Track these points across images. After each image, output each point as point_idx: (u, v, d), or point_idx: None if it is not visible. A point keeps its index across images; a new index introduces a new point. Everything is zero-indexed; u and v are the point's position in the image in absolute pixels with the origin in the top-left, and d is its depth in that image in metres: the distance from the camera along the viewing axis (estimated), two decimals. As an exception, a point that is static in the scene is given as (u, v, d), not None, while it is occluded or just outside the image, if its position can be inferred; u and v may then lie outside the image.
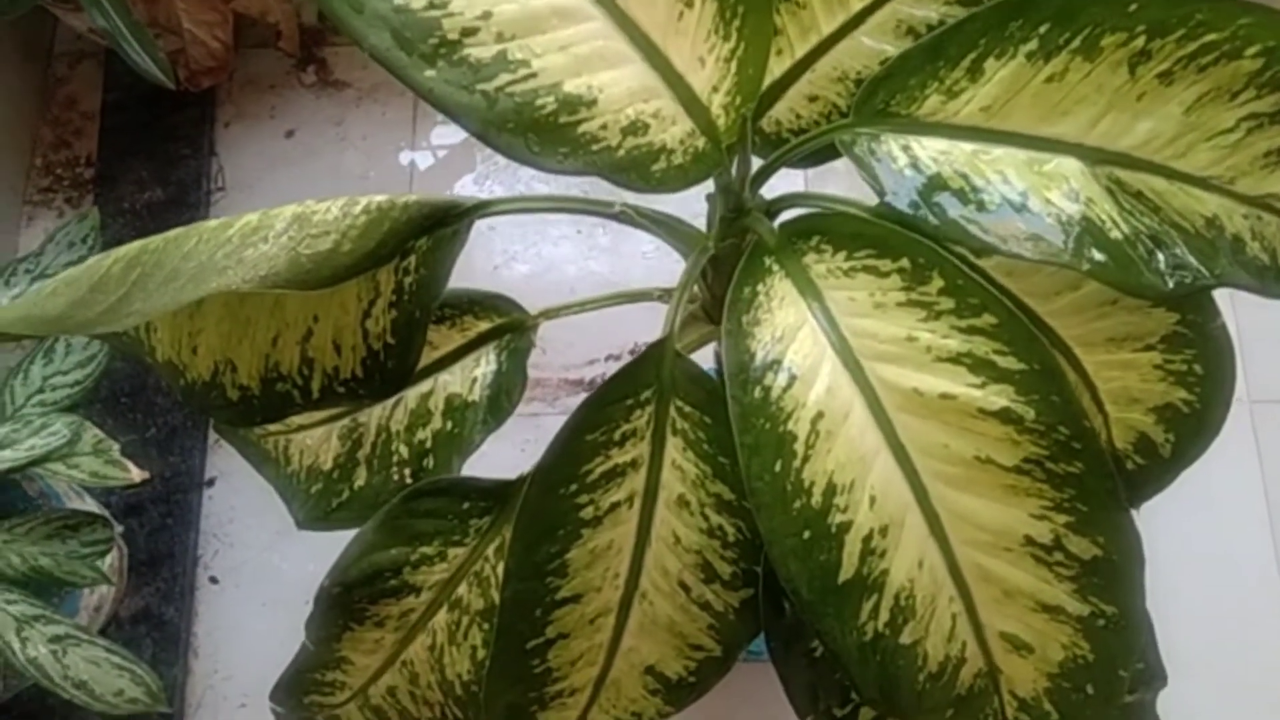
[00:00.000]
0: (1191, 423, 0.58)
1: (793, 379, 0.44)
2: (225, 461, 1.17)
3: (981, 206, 0.46)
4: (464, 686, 0.61)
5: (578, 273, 1.24)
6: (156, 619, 1.11)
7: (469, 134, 0.39)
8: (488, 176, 1.30)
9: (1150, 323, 0.55)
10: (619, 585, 0.51)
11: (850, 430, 0.43)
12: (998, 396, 0.43)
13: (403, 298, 0.51)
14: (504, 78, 0.39)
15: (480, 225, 1.35)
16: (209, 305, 0.53)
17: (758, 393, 0.44)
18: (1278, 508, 1.08)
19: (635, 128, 0.43)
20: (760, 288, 0.47)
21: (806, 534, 0.43)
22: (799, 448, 0.43)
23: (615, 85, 0.42)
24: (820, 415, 0.43)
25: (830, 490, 0.43)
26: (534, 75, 0.40)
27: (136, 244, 0.52)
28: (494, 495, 0.61)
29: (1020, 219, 0.45)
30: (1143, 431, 0.59)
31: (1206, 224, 0.47)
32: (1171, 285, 0.46)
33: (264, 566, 1.14)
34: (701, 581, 0.51)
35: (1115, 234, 0.46)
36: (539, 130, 0.40)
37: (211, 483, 1.17)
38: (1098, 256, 0.45)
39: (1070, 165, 0.47)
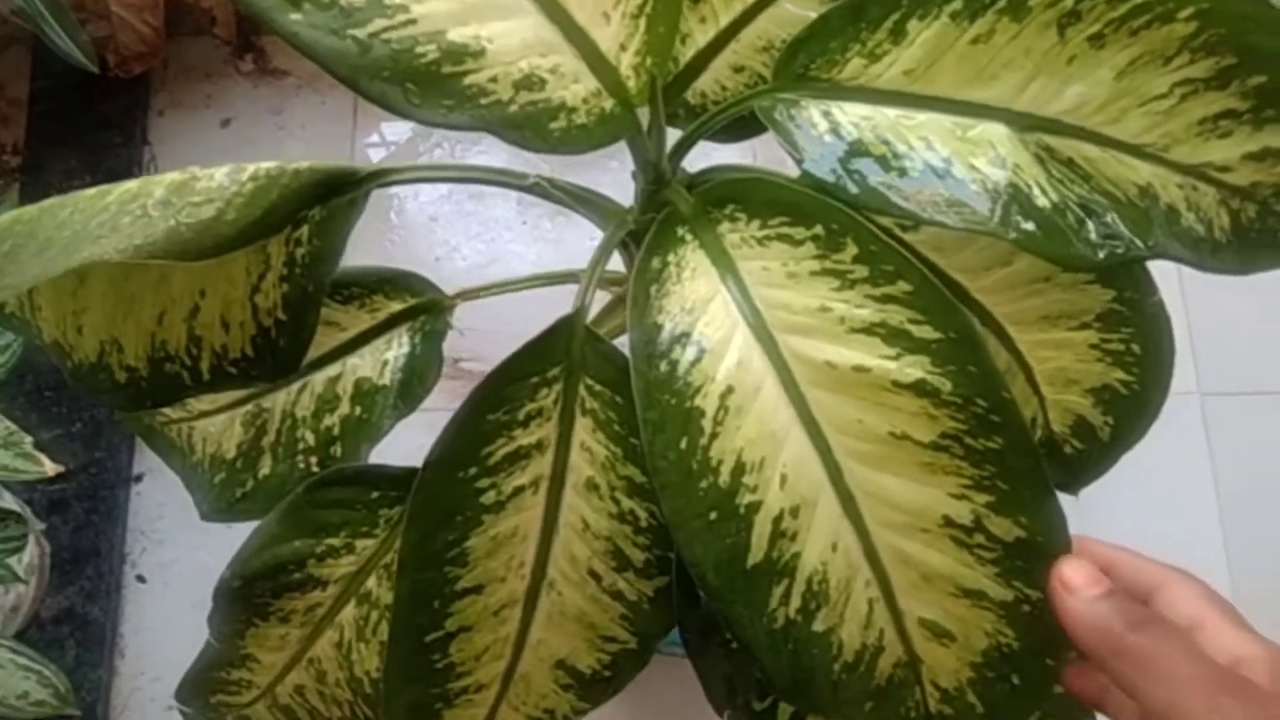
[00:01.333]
0: (1130, 405, 0.56)
1: (702, 353, 0.41)
2: (153, 458, 1.11)
3: (904, 173, 0.44)
4: (373, 684, 0.58)
5: (522, 265, 1.21)
6: (81, 619, 1.07)
7: (340, 82, 0.36)
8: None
9: (1085, 300, 0.53)
10: (525, 575, 0.48)
11: (761, 406, 0.41)
12: (913, 368, 0.40)
13: (295, 271, 0.48)
14: (379, 23, 0.36)
15: (421, 216, 1.32)
16: (92, 281, 0.50)
17: (664, 367, 0.41)
18: (1228, 501, 1.07)
19: (530, 82, 0.40)
20: (671, 258, 0.44)
21: (713, 515, 0.40)
22: (706, 424, 0.40)
23: (507, 36, 0.39)
24: (730, 390, 0.41)
25: (739, 469, 0.40)
26: (413, 21, 0.37)
27: (10, 214, 0.49)
28: (405, 484, 0.58)
29: (943, 185, 0.43)
30: (1080, 414, 0.57)
31: (1140, 193, 0.45)
32: (1103, 256, 0.44)
33: (193, 565, 1.10)
34: (613, 570, 0.48)
35: (1044, 202, 0.44)
36: (418, 80, 0.37)
37: (139, 479, 1.13)
38: (1026, 225, 0.43)
39: (997, 131, 0.45)
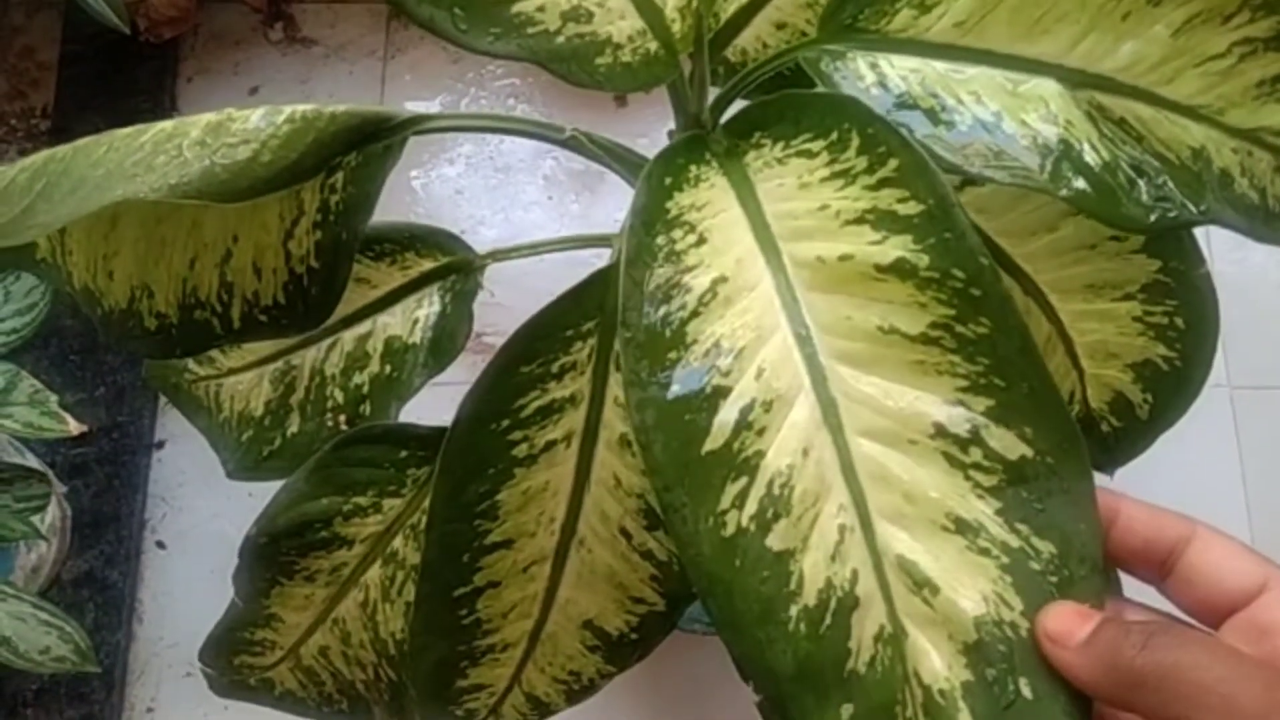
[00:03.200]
0: (1171, 382, 0.55)
1: (701, 240, 0.39)
2: (176, 424, 1.13)
3: (952, 126, 0.43)
4: (397, 645, 0.58)
5: (546, 239, 1.21)
6: (100, 583, 1.07)
7: (390, 3, 0.35)
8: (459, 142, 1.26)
9: (1130, 269, 0.52)
10: (554, 531, 0.47)
11: (752, 302, 0.38)
12: (895, 249, 0.37)
13: (328, 218, 0.47)
14: (428, -51, 0.36)
15: (447, 189, 1.31)
16: (124, 224, 0.50)
17: (660, 240, 0.38)
18: (1255, 495, 1.05)
19: (577, 14, 0.39)
20: (693, 173, 0.42)
21: (675, 388, 0.36)
22: (689, 299, 0.37)
23: (556, -31, 0.39)
24: (723, 279, 0.38)
25: (714, 349, 0.36)
26: (463, -52, 0.36)
27: (44, 153, 0.48)
28: (433, 444, 0.58)
29: (992, 139, 0.42)
30: (1119, 390, 0.56)
31: (1193, 156, 0.44)
32: (1154, 218, 0.43)
33: (213, 532, 1.10)
34: (644, 528, 0.47)
35: (1095, 160, 0.42)
36: (467, 6, 0.36)
37: (161, 445, 1.13)
38: (1076, 182, 0.42)
39: (1049, 87, 0.44)
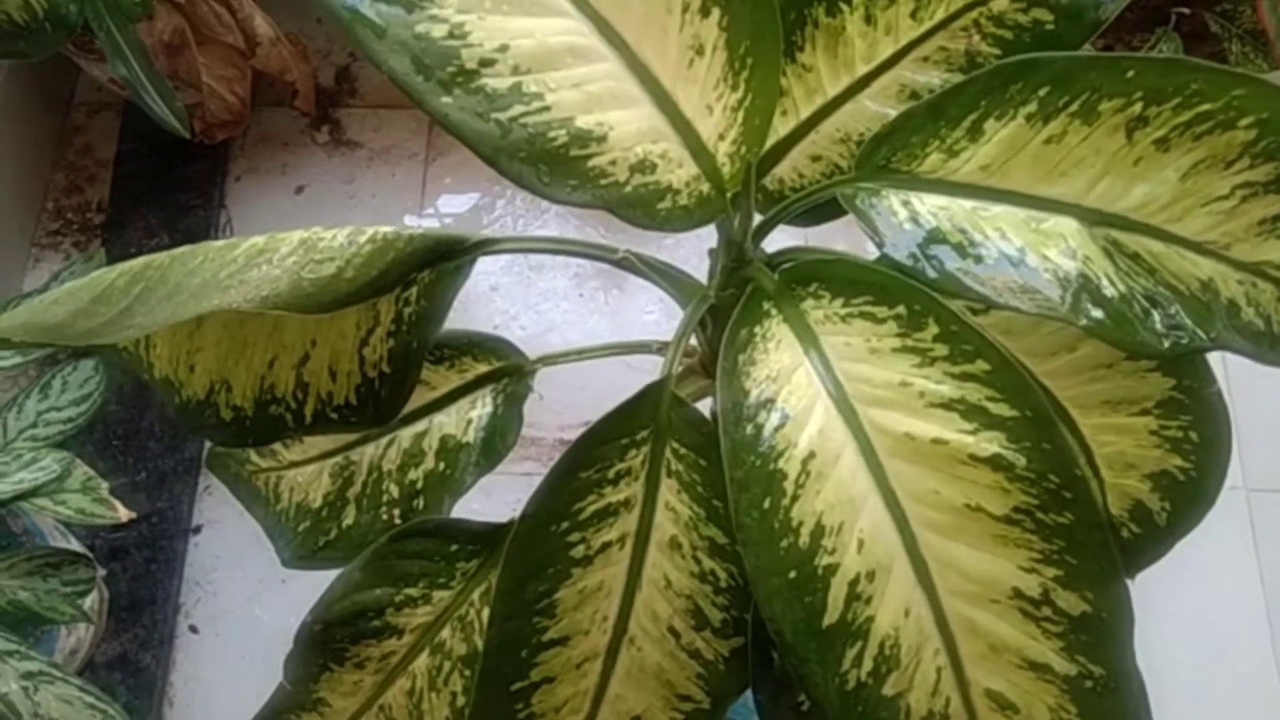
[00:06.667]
0: (1187, 491, 0.58)
1: (785, 419, 0.44)
2: (213, 509, 1.16)
3: (979, 260, 0.47)
4: (443, 734, 0.60)
5: (577, 335, 1.25)
6: (133, 666, 1.09)
7: (483, 160, 0.39)
8: (493, 238, 1.31)
9: (1146, 387, 0.55)
10: (607, 629, 0.50)
11: (841, 473, 0.43)
12: (989, 443, 0.43)
13: (401, 328, 0.51)
14: (518, 109, 0.40)
15: (482, 285, 1.36)
16: (209, 324, 0.54)
17: (750, 430, 0.44)
18: (1274, 596, 1.07)
19: (643, 166, 0.43)
20: (758, 330, 0.47)
21: (792, 574, 0.42)
22: (789, 486, 0.43)
23: (625, 124, 0.43)
24: (811, 455, 0.43)
25: (818, 531, 0.43)
26: (547, 109, 0.41)
27: (141, 260, 0.52)
28: (483, 539, 0.61)
29: (1017, 273, 0.46)
30: (1138, 499, 0.59)
31: (1202, 287, 0.47)
32: (1168, 345, 0.46)
33: (245, 617, 1.12)
34: (692, 628, 0.50)
35: (1112, 292, 0.46)
36: (550, 161, 0.41)
37: (198, 530, 1.16)
38: (1095, 313, 0.46)
39: (1068, 225, 0.48)
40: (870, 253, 0.54)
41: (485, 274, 1.29)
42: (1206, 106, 0.46)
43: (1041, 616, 0.44)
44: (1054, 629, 0.44)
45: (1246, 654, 1.04)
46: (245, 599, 1.13)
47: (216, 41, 1.19)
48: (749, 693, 0.55)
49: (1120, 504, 0.60)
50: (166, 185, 1.32)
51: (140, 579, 1.12)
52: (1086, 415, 0.56)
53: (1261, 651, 1.04)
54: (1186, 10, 1.16)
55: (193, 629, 1.12)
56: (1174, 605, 1.01)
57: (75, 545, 1.07)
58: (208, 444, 1.08)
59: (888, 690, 0.44)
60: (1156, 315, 0.47)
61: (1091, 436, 0.57)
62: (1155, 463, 0.58)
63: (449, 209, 1.34)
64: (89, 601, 1.03)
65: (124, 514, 0.91)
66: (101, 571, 1.10)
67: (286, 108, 1.34)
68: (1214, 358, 0.57)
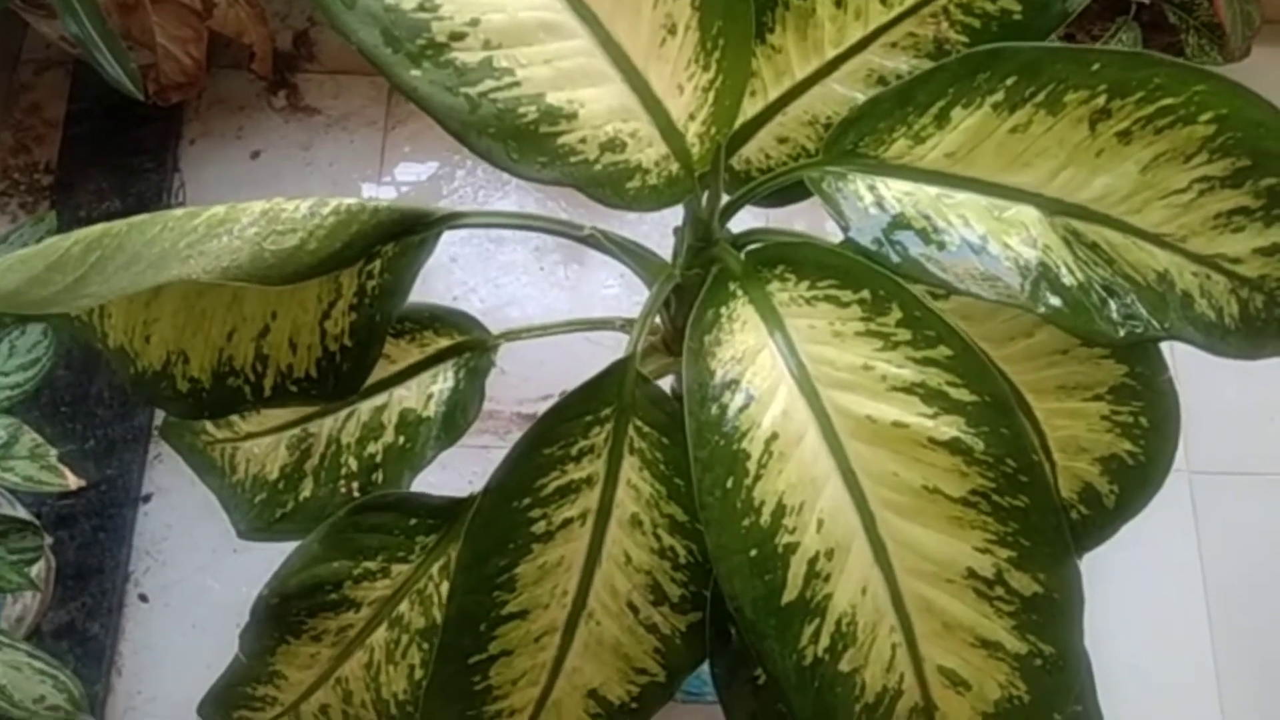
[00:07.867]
0: (1135, 475, 0.60)
1: (749, 400, 0.44)
2: (164, 478, 1.14)
3: (942, 246, 0.47)
4: (399, 706, 0.60)
5: (537, 309, 1.24)
6: (81, 634, 1.07)
7: (451, 135, 0.39)
8: (452, 209, 1.30)
9: (1100, 373, 0.56)
10: (566, 603, 0.51)
11: (803, 454, 0.44)
12: (948, 427, 0.44)
13: (364, 301, 0.51)
14: (488, 83, 0.40)
15: (441, 256, 1.34)
16: (166, 295, 0.53)
17: (714, 410, 0.44)
18: (1212, 577, 1.10)
19: (613, 145, 0.43)
20: (723, 310, 0.47)
21: (753, 552, 0.43)
22: (751, 466, 0.43)
23: (596, 102, 0.43)
24: (774, 436, 0.44)
25: (780, 511, 0.43)
26: (518, 84, 0.41)
27: (99, 227, 0.51)
28: (442, 513, 0.61)
29: (979, 260, 0.47)
30: (1088, 481, 0.60)
31: (1158, 278, 0.48)
32: (1123, 334, 0.47)
33: (196, 587, 1.11)
34: (650, 603, 0.51)
35: (1070, 281, 0.47)
36: (519, 138, 0.40)
37: (148, 498, 1.14)
38: (1053, 300, 0.47)
39: (1029, 213, 0.48)
40: (832, 234, 0.55)
41: (445, 245, 1.27)
42: (1168, 101, 0.47)
43: (995, 596, 0.46)
44: (1006, 608, 0.46)
45: (1184, 630, 1.07)
46: (196, 568, 1.11)
47: (172, 1, 1.16)
48: (705, 666, 0.55)
49: (1071, 486, 0.61)
50: (118, 147, 1.29)
51: (88, 547, 1.11)
52: (1041, 400, 0.57)
53: (1199, 628, 1.07)
54: (1146, 0, 1.18)
55: (142, 598, 1.11)
56: (1117, 583, 1.03)
57: (22, 512, 1.05)
58: (160, 412, 1.07)
59: (844, 666, 0.45)
60: (1113, 304, 0.48)
61: (1045, 420, 0.58)
62: (1106, 447, 0.59)
63: (407, 178, 1.32)
64: (36, 569, 1.02)
65: (73, 481, 0.89)
66: (48, 539, 1.08)
67: (243, 71, 1.31)
68: (1163, 343, 0.59)
